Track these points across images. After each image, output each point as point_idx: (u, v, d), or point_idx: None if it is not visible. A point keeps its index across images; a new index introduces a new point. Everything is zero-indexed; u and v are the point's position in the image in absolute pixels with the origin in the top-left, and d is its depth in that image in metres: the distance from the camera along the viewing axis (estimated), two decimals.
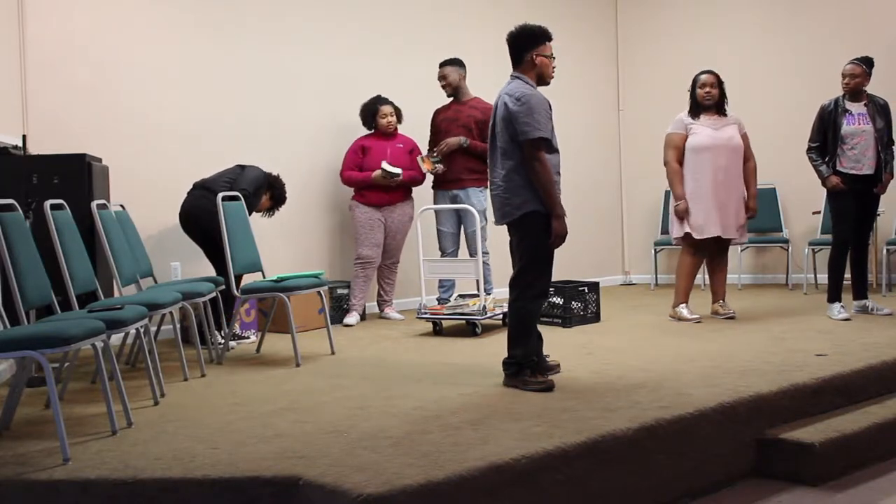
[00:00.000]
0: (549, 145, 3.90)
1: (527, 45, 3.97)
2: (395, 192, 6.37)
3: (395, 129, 6.44)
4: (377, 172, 6.22)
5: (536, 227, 3.90)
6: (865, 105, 5.68)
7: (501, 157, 3.96)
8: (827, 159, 5.70)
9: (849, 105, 5.69)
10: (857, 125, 5.63)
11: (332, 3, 6.84)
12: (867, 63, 5.66)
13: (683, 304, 5.91)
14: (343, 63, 6.77)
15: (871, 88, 5.77)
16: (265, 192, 5.77)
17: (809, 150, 5.80)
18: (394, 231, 6.42)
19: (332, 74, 6.66)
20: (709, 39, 8.28)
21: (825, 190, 5.84)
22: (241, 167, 5.71)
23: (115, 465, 2.90)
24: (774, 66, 7.91)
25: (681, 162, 5.86)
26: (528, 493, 2.79)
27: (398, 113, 6.45)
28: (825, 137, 5.72)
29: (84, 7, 5.70)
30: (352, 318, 6.29)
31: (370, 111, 6.38)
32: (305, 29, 6.68)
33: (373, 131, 6.43)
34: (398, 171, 6.22)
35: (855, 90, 5.65)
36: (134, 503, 2.74)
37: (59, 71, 5.58)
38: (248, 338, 5.74)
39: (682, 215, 5.83)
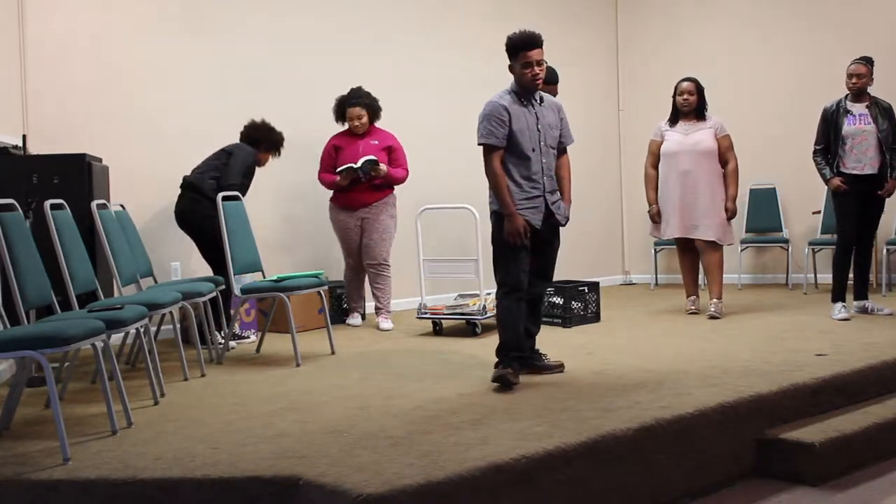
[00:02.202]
0: (513, 151, 4.04)
1: (508, 57, 4.14)
2: (372, 191, 6.06)
3: (368, 128, 6.11)
4: (339, 170, 5.99)
5: (497, 225, 4.11)
6: (868, 106, 5.69)
7: None
8: (831, 161, 5.74)
9: (850, 106, 5.72)
10: (857, 125, 5.65)
11: (332, 4, 6.84)
12: (870, 62, 5.68)
13: (688, 298, 6.30)
14: (345, 63, 6.76)
15: (871, 89, 5.77)
16: (262, 149, 5.77)
17: (815, 153, 5.85)
18: (369, 231, 6.07)
19: (334, 74, 6.64)
20: (709, 40, 8.27)
21: (827, 189, 5.86)
22: (227, 154, 5.57)
23: (115, 465, 2.90)
24: (774, 66, 7.90)
25: (658, 167, 6.23)
26: (528, 493, 2.79)
27: (372, 109, 6.09)
28: (829, 139, 5.77)
29: (84, 7, 5.71)
30: (354, 319, 6.24)
31: (340, 109, 6.14)
32: (306, 29, 6.68)
33: (346, 127, 6.20)
34: (355, 165, 5.92)
35: (862, 89, 5.67)
36: (134, 503, 2.74)
37: (60, 71, 5.58)
38: (247, 338, 5.74)
39: (654, 218, 6.23)
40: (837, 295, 5.72)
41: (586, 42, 8.60)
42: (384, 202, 6.13)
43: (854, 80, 5.66)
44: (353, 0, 6.95)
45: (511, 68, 4.12)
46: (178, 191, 5.57)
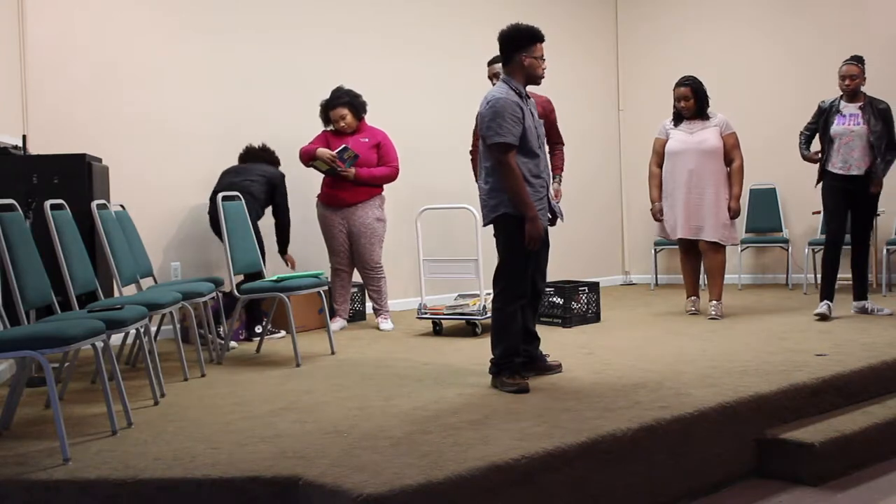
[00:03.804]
0: (524, 149, 3.89)
1: (516, 47, 3.96)
2: (356, 191, 5.92)
3: (356, 127, 5.99)
4: (323, 151, 5.80)
5: (509, 229, 3.92)
6: (861, 107, 5.67)
7: (483, 159, 4.01)
8: (821, 158, 5.80)
9: (842, 106, 5.72)
10: (846, 125, 5.64)
11: (333, 4, 6.84)
12: (861, 61, 5.66)
13: (688, 299, 6.26)
14: (345, 63, 6.76)
15: (869, 88, 5.77)
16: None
17: (801, 133, 5.99)
18: (356, 234, 5.94)
19: (333, 74, 6.64)
20: (709, 39, 8.27)
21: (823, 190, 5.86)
22: (266, 179, 5.71)
23: (115, 465, 2.90)
24: (774, 66, 7.91)
25: (662, 166, 6.20)
26: (528, 493, 2.79)
27: (354, 107, 5.94)
28: (813, 132, 5.90)
29: (84, 7, 5.71)
30: (336, 323, 5.97)
31: (324, 113, 6.03)
32: (305, 29, 6.68)
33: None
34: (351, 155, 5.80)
35: (855, 90, 5.66)
36: (134, 503, 2.74)
37: (59, 71, 5.58)
38: (278, 332, 5.76)
39: (657, 218, 6.18)
40: (823, 293, 5.71)
41: (586, 42, 8.60)
42: (369, 203, 5.98)
43: (847, 82, 5.64)
44: (353, 1, 6.95)
45: (513, 61, 3.95)
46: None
